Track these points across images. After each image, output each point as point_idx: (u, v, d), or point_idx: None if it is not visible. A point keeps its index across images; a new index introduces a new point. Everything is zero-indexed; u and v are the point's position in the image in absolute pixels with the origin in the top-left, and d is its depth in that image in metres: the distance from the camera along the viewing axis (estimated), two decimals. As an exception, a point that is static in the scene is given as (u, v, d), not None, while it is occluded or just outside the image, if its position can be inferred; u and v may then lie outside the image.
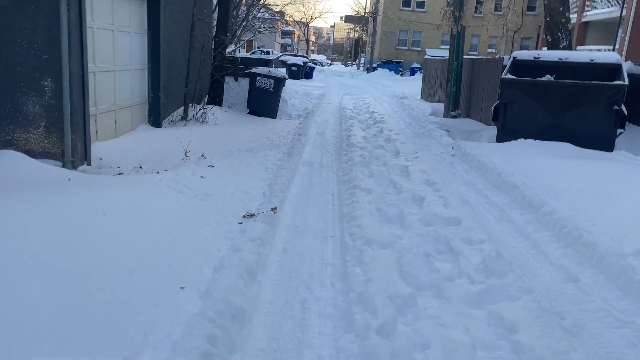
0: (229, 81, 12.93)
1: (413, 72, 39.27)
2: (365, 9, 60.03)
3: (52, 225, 3.53)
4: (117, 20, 7.19)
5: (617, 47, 24.21)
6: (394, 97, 20.66)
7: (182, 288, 2.88)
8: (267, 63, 13.05)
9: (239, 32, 27.67)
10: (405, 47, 45.13)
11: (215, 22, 11.13)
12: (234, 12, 22.10)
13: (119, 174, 6.03)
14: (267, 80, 11.06)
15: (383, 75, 37.49)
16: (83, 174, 5.45)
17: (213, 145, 7.56)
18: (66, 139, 5.74)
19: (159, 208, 4.32)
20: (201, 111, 9.11)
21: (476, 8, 44.45)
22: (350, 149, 8.50)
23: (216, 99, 10.93)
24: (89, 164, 6.19)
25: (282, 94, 12.48)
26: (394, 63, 41.85)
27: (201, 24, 9.39)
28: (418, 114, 13.76)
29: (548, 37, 11.07)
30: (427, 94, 19.20)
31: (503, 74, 9.36)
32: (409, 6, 44.25)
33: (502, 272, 3.75)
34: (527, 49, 44.61)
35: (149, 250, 3.37)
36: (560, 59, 9.49)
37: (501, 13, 44.03)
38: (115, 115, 7.38)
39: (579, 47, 30.43)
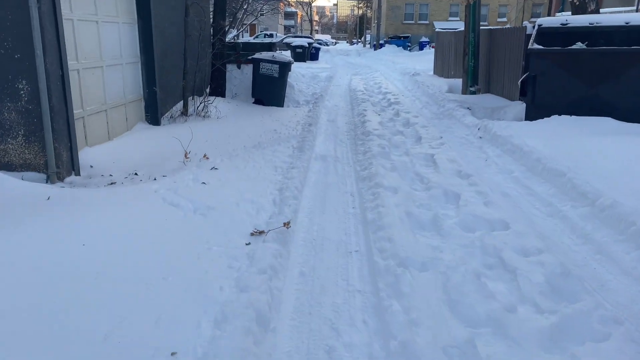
0: (231, 69, 12.17)
1: (422, 46, 38.01)
2: (368, -16, 58.37)
3: (10, 269, 2.87)
4: (101, 10, 6.45)
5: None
6: (405, 74, 19.72)
7: (173, 354, 2.21)
8: (270, 47, 12.24)
9: (240, 15, 26.75)
10: (412, 21, 43.76)
11: (212, 8, 10.31)
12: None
13: (111, 183, 5.36)
14: (271, 66, 10.29)
15: (391, 51, 36.34)
16: (67, 188, 4.78)
17: (216, 143, 6.86)
18: (48, 148, 5.07)
19: (151, 230, 3.65)
20: (202, 104, 8.39)
21: (484, -24, 42.83)
22: (367, 137, 7.74)
23: (218, 90, 10.20)
24: (78, 173, 5.53)
25: (288, 80, 11.70)
26: (402, 38, 40.59)
27: (196, 9, 8.61)
28: (434, 92, 12.90)
29: (575, 1, 10.11)
30: (441, 69, 18.25)
31: (529, 44, 8.49)
32: (414, -22, 42.78)
33: (574, 293, 3.02)
34: (539, 17, 43.04)
35: (134, 297, 2.70)
36: (591, 24, 8.58)
37: (510, -21, 42.54)
38: (106, 116, 6.70)
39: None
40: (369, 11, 63.81)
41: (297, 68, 21.44)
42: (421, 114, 10.12)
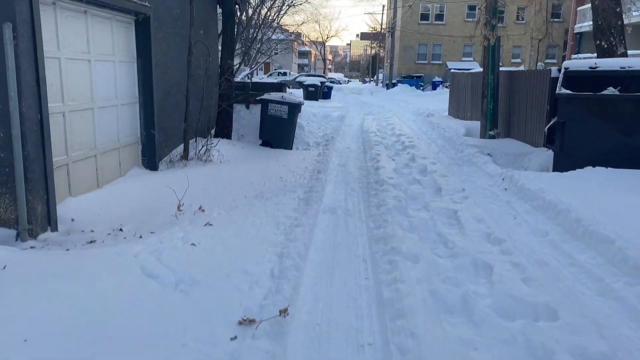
0: (240, 109, 11.71)
1: (435, 86, 37.78)
2: (381, 25, 59.06)
3: None
4: (95, 48, 5.97)
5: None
6: (419, 115, 19.20)
7: None
8: (280, 87, 11.79)
9: (253, 54, 26.74)
10: (425, 61, 43.73)
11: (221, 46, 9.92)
12: (248, 34, 21.11)
13: (90, 242, 4.72)
14: (280, 107, 9.77)
15: (404, 90, 36.07)
16: (34, 251, 4.15)
17: (215, 192, 6.23)
18: (20, 201, 4.48)
19: (115, 319, 2.96)
20: (204, 148, 7.83)
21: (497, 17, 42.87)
22: (380, 186, 7.07)
23: (224, 131, 9.67)
24: (55, 229, 4.90)
25: (298, 120, 11.19)
26: (414, 78, 40.43)
27: (201, 47, 8.17)
28: (451, 135, 12.28)
29: (602, 43, 9.55)
30: (456, 111, 17.71)
31: (557, 88, 7.87)
32: (428, 19, 42.98)
33: None
34: (554, 58, 42.81)
35: None
36: (623, 68, 7.97)
37: (524, 22, 42.55)
38: (96, 162, 6.13)
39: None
40: (381, 51, 64.40)
41: (309, 107, 21.06)
42: (439, 160, 9.46)
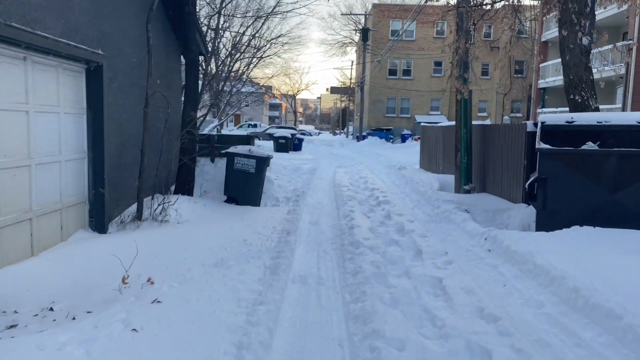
0: (204, 163, 11.09)
1: (404, 139, 38.17)
2: (350, 79, 60.35)
3: None
4: (35, 98, 5.33)
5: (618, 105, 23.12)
6: (391, 168, 18.94)
7: None
8: (248, 140, 11.26)
9: (222, 106, 26.41)
10: (394, 115, 44.44)
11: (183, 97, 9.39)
12: (217, 86, 20.80)
13: (11, 326, 3.91)
14: (247, 160, 9.20)
15: (374, 143, 36.25)
16: None
17: (168, 259, 5.49)
18: None
19: None
20: (160, 207, 7.11)
21: (462, 73, 44.21)
22: (356, 249, 6.45)
23: (185, 187, 8.98)
24: (-33, 311, 4.07)
25: (267, 174, 10.62)
26: (384, 131, 40.92)
27: (160, 98, 7.61)
28: (425, 190, 11.88)
29: (576, 98, 9.43)
30: (428, 164, 17.51)
31: (537, 143, 7.58)
32: (395, 74, 44.03)
33: None
34: (519, 112, 44.12)
35: None
36: (600, 122, 7.77)
37: (489, 77, 44.03)
38: (31, 226, 5.34)
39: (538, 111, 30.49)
40: (351, 104, 65.53)
41: (279, 159, 20.58)
42: (416, 217, 8.95)
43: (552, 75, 29.33)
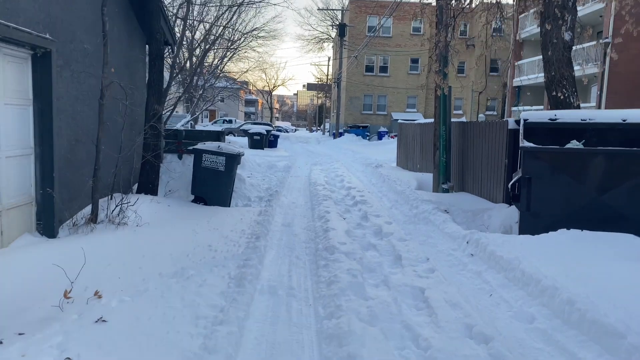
0: (172, 160, 10.46)
1: (380, 136, 37.91)
2: (327, 76, 59.84)
3: None
4: (-33, 86, 4.68)
5: (593, 103, 23.24)
6: (367, 166, 18.55)
7: None
8: (218, 136, 10.66)
9: (195, 100, 25.61)
10: (371, 112, 44.17)
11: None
12: (191, 80, 20.03)
13: None
14: (216, 158, 8.62)
15: (350, 140, 35.89)
16: None
17: (122, 268, 4.91)
18: None
19: None
20: (118, 208, 6.50)
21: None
22: (331, 254, 5.97)
23: (149, 186, 8.36)
24: None
25: (238, 172, 10.06)
26: (361, 128, 40.56)
27: (119, 90, 6.98)
28: (403, 189, 11.49)
29: (558, 94, 9.14)
30: (405, 162, 17.18)
31: (520, 141, 7.23)
32: (372, 71, 43.72)
33: None
34: (493, 110, 44.33)
35: None
36: (584, 120, 7.48)
37: (465, 75, 44.08)
38: (-38, 232, 4.70)
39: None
40: (327, 101, 65.06)
41: (253, 156, 19.97)
42: (394, 219, 8.53)
43: (526, 74, 29.41)
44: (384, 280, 5.09)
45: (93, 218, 6.26)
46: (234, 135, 37.55)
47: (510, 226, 7.79)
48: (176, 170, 10.14)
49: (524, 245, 5.94)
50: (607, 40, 19.94)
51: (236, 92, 43.04)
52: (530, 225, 6.91)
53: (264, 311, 4.24)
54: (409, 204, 10.00)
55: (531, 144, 7.08)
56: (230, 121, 46.93)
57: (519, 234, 6.91)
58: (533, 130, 7.49)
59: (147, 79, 8.42)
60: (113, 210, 6.49)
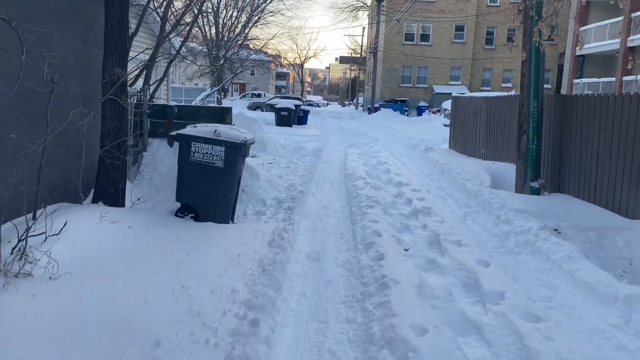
0: (159, 147, 7.67)
1: (420, 111, 34.26)
2: (362, 46, 56.00)
3: None
4: None
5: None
6: (414, 148, 15.45)
7: None
8: (223, 115, 7.73)
9: (216, 72, 22.77)
10: (410, 84, 40.38)
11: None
12: (217, 53, 17.12)
13: None
14: (211, 148, 5.73)
15: (387, 116, 32.54)
16: None
17: None
18: None
19: None
20: (23, 242, 3.71)
21: (486, 39, 39.92)
22: (395, 352, 3.04)
23: (110, 192, 5.55)
24: None
25: (253, 162, 7.21)
26: (399, 102, 37.01)
27: (58, 46, 4.12)
28: (475, 187, 8.38)
29: None
30: (462, 145, 13.98)
31: None
32: (412, 40, 39.74)
33: None
34: (547, 83, 39.90)
35: None
36: None
37: (515, 44, 39.72)
38: None
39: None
40: (361, 74, 61.25)
41: (279, 136, 17.07)
42: (480, 244, 5.53)
43: (594, 41, 25.33)
44: None
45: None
46: (262, 110, 34.69)
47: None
48: (165, 161, 7.34)
49: None
50: None
51: (267, 65, 39.99)
52: None
53: None
54: (492, 213, 6.95)
55: None
56: (259, 95, 44.04)
57: None
58: None
59: (104, 27, 5.54)
60: (14, 248, 3.70)
